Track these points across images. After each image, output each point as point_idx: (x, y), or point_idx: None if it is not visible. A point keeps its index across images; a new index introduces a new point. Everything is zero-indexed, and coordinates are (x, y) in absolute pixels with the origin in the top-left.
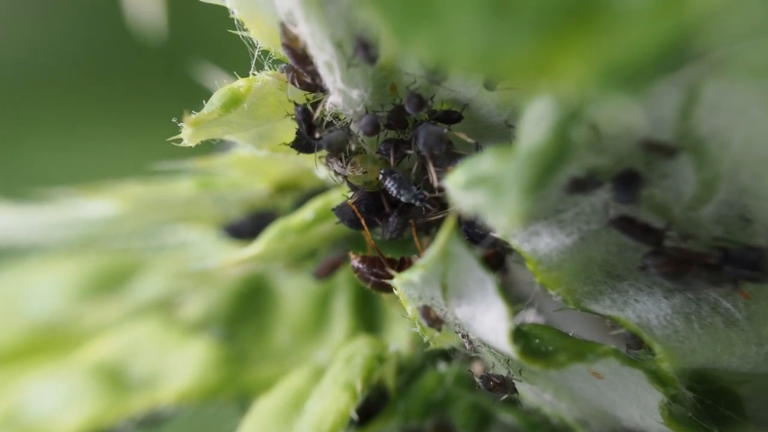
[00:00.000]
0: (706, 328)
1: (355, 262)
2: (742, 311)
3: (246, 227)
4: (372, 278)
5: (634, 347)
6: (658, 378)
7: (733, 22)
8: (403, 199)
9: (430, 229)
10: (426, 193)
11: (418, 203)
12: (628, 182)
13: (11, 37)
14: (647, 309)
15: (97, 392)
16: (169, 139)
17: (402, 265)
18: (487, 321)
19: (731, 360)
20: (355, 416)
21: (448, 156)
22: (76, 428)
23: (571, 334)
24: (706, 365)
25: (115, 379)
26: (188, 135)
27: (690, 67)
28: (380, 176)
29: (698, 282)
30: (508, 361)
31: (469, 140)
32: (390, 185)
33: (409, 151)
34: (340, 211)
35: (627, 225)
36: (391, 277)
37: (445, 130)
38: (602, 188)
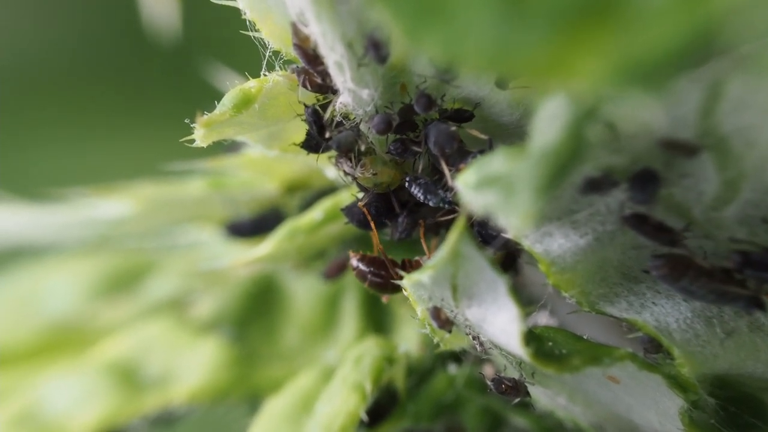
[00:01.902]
0: (729, 332)
1: (353, 260)
2: (767, 315)
3: (247, 226)
4: (369, 276)
5: (652, 351)
6: (677, 383)
7: (759, 16)
8: (431, 203)
9: (439, 230)
10: (450, 196)
11: (447, 206)
12: (645, 182)
13: (24, 38)
14: (666, 312)
15: (110, 391)
16: (181, 140)
17: (404, 268)
18: (499, 323)
19: (756, 366)
20: (364, 417)
21: (460, 154)
22: (91, 426)
23: (585, 337)
24: (730, 371)
25: (128, 377)
26: (200, 136)
27: (713, 64)
28: (406, 184)
29: (696, 291)
30: (521, 363)
31: (482, 136)
32: (416, 191)
33: (417, 149)
34: (350, 211)
35: (640, 223)
36: (390, 277)
37: (453, 128)
38: (618, 188)
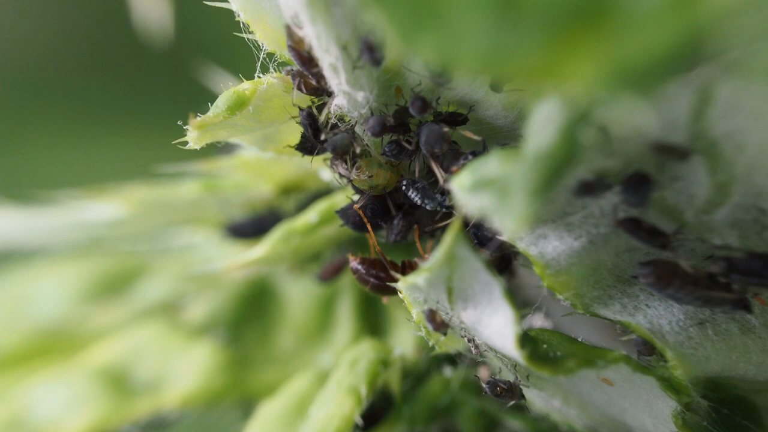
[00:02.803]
0: (721, 334)
1: (354, 263)
2: (758, 318)
3: (248, 227)
4: (371, 280)
5: (646, 354)
6: (670, 385)
7: (748, 22)
8: (428, 207)
9: (435, 232)
10: (448, 200)
11: (444, 210)
12: (638, 185)
13: (16, 40)
14: (659, 314)
15: (101, 396)
16: (174, 142)
17: (404, 270)
18: (494, 325)
19: (748, 368)
20: (359, 421)
21: (453, 155)
22: None
23: (579, 340)
24: (722, 373)
25: (119, 382)
26: (193, 138)
27: (703, 68)
28: (403, 187)
29: (682, 298)
30: (516, 366)
31: (476, 138)
32: (413, 195)
33: (408, 146)
34: (345, 213)
35: (633, 226)
36: (390, 279)
37: (445, 129)
38: (611, 191)
